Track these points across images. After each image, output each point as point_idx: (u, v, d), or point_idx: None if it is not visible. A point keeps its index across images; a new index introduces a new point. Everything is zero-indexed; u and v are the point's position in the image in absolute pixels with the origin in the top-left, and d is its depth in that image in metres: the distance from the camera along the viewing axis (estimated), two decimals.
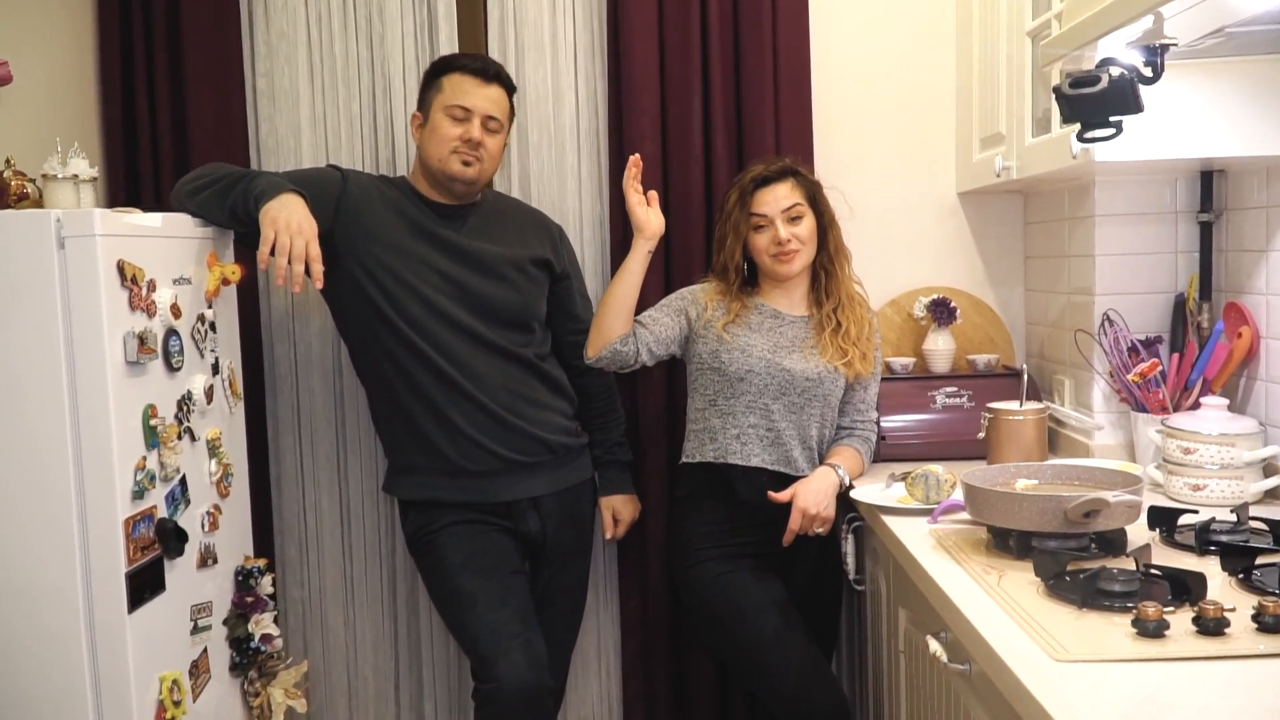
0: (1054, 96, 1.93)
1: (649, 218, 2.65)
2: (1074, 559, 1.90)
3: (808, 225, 2.67)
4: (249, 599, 2.54)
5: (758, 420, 2.66)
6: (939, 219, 3.30)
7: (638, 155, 2.66)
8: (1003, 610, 1.76)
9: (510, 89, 2.78)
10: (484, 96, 2.70)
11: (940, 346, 3.14)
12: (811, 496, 2.56)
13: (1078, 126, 2.28)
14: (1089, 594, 1.74)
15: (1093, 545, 2.01)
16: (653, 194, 2.67)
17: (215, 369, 2.48)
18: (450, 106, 2.68)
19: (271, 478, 3.26)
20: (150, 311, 2.19)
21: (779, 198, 2.66)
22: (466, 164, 2.69)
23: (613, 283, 2.65)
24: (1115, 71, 1.89)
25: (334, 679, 3.34)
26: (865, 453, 2.76)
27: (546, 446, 2.78)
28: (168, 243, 2.32)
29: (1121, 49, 1.95)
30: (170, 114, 3.11)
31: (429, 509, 2.77)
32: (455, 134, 2.67)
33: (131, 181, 3.12)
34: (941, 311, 3.13)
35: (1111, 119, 1.92)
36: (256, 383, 3.18)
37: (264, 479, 3.22)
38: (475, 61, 2.74)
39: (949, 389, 3.03)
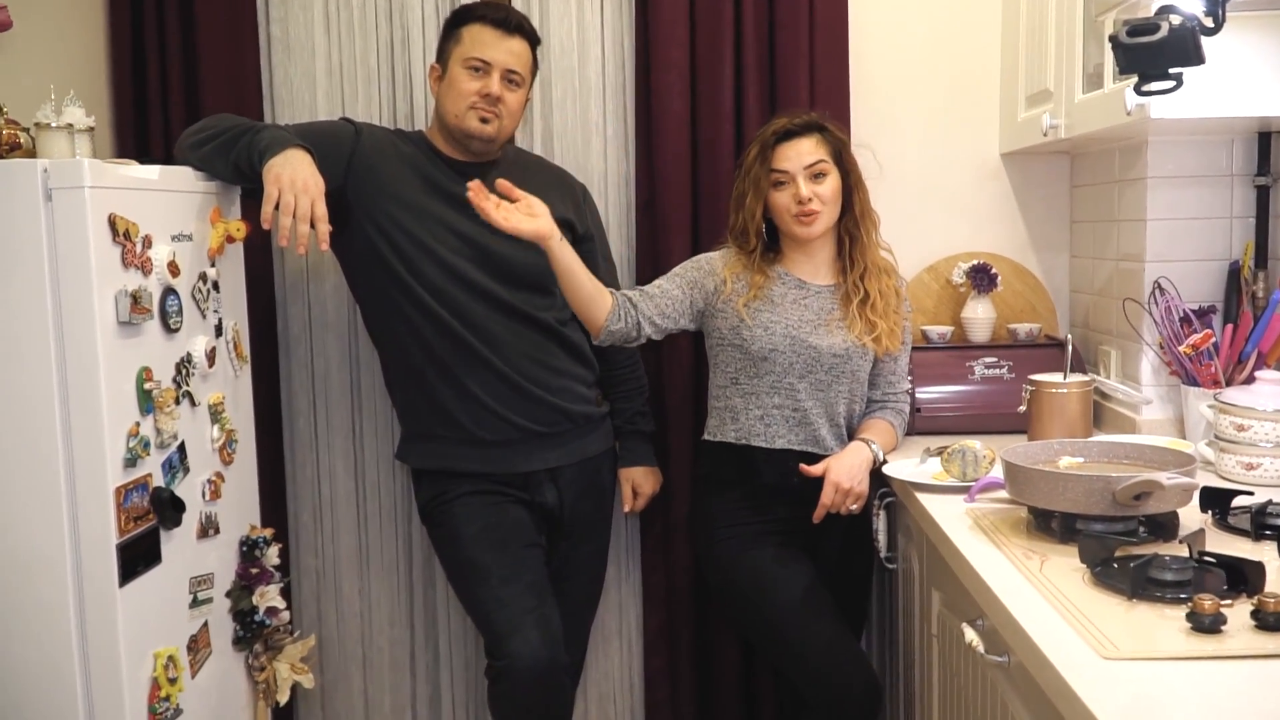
0: (1110, 45, 1.78)
1: (533, 227, 2.29)
2: (1122, 544, 1.77)
3: (831, 184, 2.49)
4: (254, 570, 2.45)
5: (782, 400, 2.51)
6: (980, 181, 3.14)
7: (475, 182, 2.29)
8: (1045, 600, 1.63)
9: (534, 41, 2.65)
10: (505, 49, 2.57)
11: (980, 315, 3.00)
12: (845, 471, 2.44)
13: (1133, 80, 2.15)
14: (1139, 583, 1.61)
15: (1141, 529, 1.87)
16: (504, 184, 2.31)
17: (218, 330, 2.38)
18: (469, 59, 2.55)
19: (285, 442, 3.17)
20: (145, 269, 2.09)
21: (802, 153, 2.49)
22: (484, 120, 2.56)
23: (559, 281, 2.41)
24: (1175, 19, 1.74)
25: (348, 649, 3.25)
26: (898, 425, 2.63)
27: (566, 416, 2.67)
28: (166, 197, 2.21)
29: None
30: (181, 64, 2.99)
31: (443, 478, 2.67)
32: (473, 88, 2.55)
33: (140, 134, 3.01)
34: (982, 278, 2.98)
35: (1171, 71, 1.76)
36: (269, 344, 3.07)
37: (276, 444, 3.12)
38: (497, 11, 2.60)
39: (988, 359, 2.89)
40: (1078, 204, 3.09)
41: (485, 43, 2.55)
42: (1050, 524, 1.93)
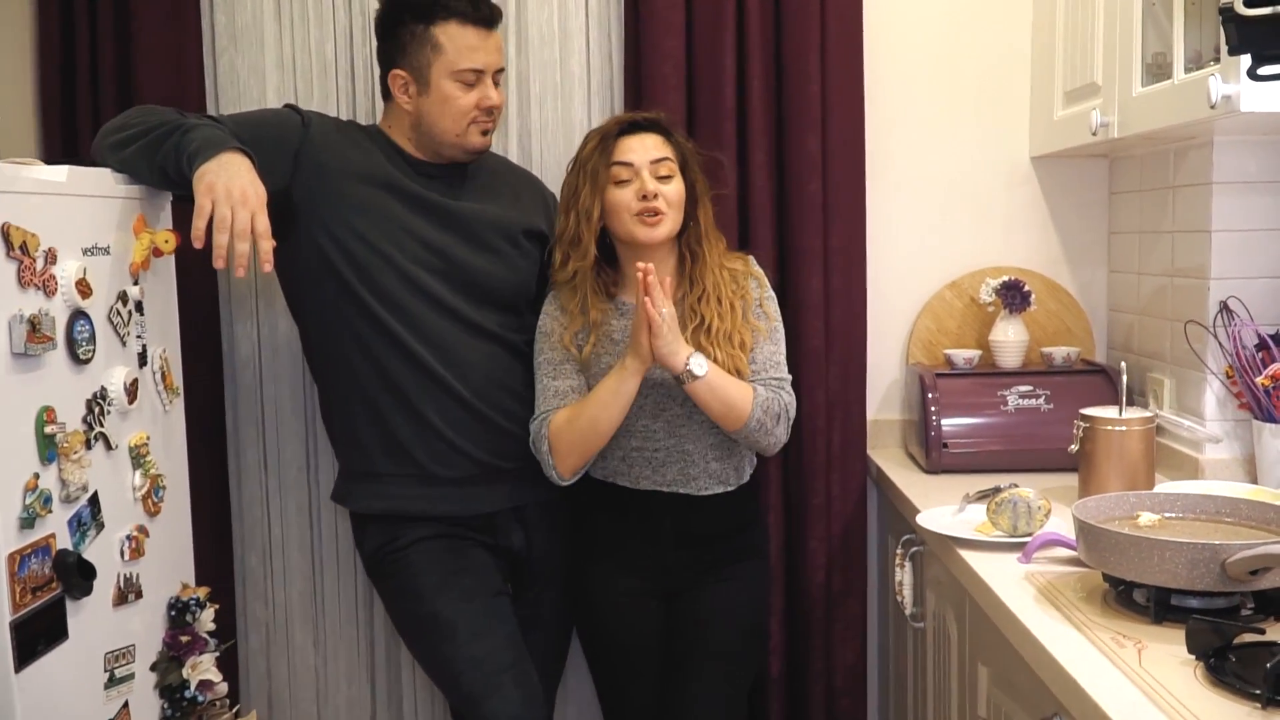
0: (1220, 19, 1.47)
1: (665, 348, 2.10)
2: (1238, 630, 1.44)
3: (676, 188, 2.22)
4: (184, 638, 2.09)
5: (641, 443, 2.26)
6: (1009, 187, 2.83)
7: (649, 266, 2.09)
8: (1156, 707, 1.31)
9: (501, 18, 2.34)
10: (492, 48, 2.25)
11: (1010, 337, 2.68)
12: (667, 324, 2.08)
13: (1215, 69, 1.85)
14: (1273, 684, 1.28)
15: (1248, 606, 1.55)
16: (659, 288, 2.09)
17: (142, 359, 2.03)
18: (459, 72, 2.21)
19: (230, 477, 2.82)
20: (48, 289, 1.74)
21: (648, 147, 2.22)
22: (486, 132, 2.27)
23: (605, 406, 2.16)
24: None
25: (301, 710, 2.90)
26: (764, 396, 2.19)
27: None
28: (78, 203, 1.87)
29: None
30: (114, 56, 2.65)
31: (392, 523, 2.33)
32: (471, 102, 2.22)
33: (68, 133, 2.68)
34: (1014, 296, 2.66)
35: None
36: (213, 368, 2.74)
37: (221, 480, 2.78)
38: (466, 3, 2.23)
39: (1022, 388, 2.57)
40: (1117, 212, 2.78)
41: (472, 47, 2.22)
42: (1135, 596, 1.61)
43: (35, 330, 1.69)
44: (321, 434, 2.80)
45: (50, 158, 2.62)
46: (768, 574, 2.48)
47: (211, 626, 2.15)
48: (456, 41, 2.20)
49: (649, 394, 2.22)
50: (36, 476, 1.70)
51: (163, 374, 2.10)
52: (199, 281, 2.59)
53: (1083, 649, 1.50)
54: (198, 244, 1.91)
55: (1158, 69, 2.16)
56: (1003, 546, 1.95)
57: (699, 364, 2.11)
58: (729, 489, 2.30)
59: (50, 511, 1.73)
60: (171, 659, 2.08)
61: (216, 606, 2.19)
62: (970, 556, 1.93)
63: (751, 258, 2.38)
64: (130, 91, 2.65)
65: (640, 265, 2.08)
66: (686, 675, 2.27)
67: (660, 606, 2.34)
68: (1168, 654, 1.45)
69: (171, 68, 2.65)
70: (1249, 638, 1.44)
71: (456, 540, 2.33)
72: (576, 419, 2.18)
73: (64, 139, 2.67)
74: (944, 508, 2.18)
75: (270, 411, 2.83)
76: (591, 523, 2.38)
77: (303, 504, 2.86)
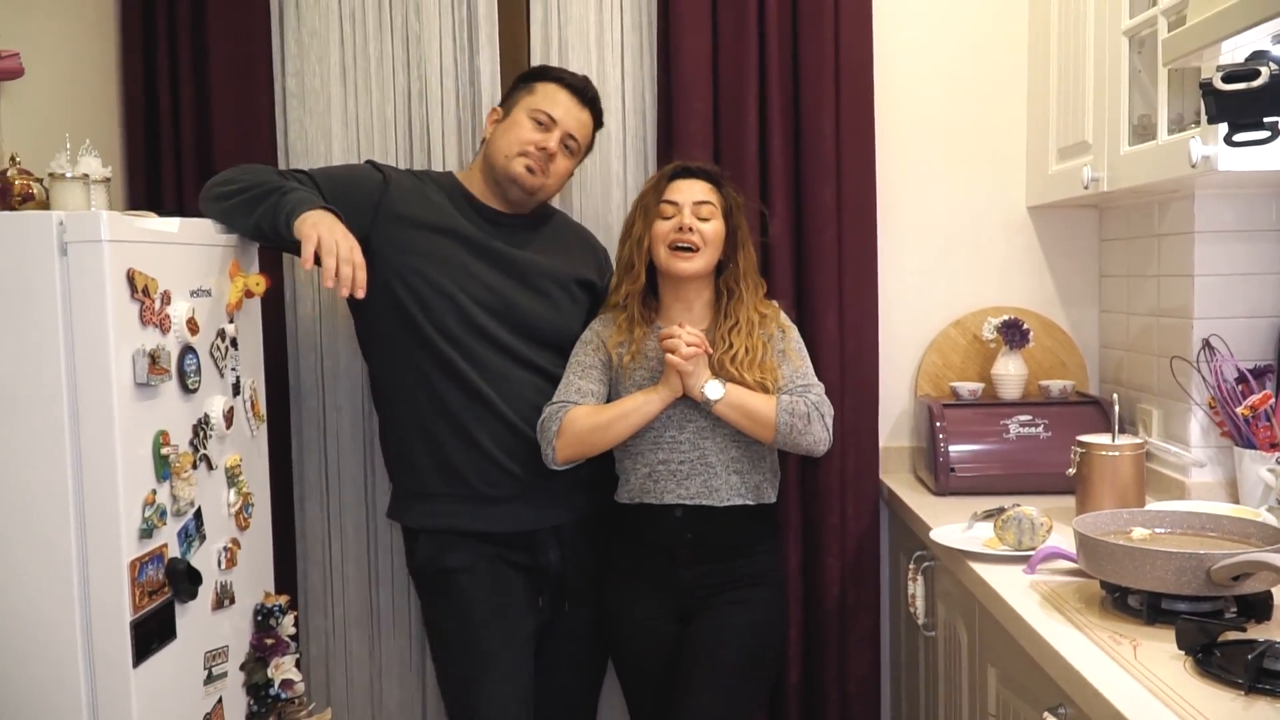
0: (1201, 92, 1.70)
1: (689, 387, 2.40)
2: (1222, 629, 1.66)
3: (715, 228, 2.47)
4: (269, 641, 2.31)
5: (667, 455, 2.46)
6: (1008, 234, 3.07)
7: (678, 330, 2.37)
8: (1151, 694, 1.52)
9: (599, 121, 2.64)
10: (574, 114, 2.55)
11: (1011, 371, 2.91)
12: (695, 343, 2.35)
13: (1195, 131, 2.09)
14: (1253, 675, 1.50)
15: (1232, 610, 1.77)
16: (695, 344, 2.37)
17: (236, 389, 2.25)
18: (537, 110, 2.51)
19: (295, 499, 3.05)
20: (164, 327, 1.97)
21: (695, 191, 2.48)
22: (530, 170, 2.50)
23: (625, 416, 2.41)
24: (1276, 66, 1.66)
25: (356, 714, 3.11)
26: (786, 401, 2.40)
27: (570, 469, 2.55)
28: (186, 250, 2.10)
29: (1269, 42, 1.72)
30: (194, 115, 2.89)
31: (441, 537, 2.55)
32: (532, 138, 2.50)
33: (152, 186, 2.92)
34: (1013, 334, 2.90)
35: (1265, 120, 1.68)
36: (281, 398, 2.96)
37: (287, 500, 3.01)
38: (577, 80, 2.59)
39: (1023, 417, 2.80)
40: (1107, 257, 3.02)
41: (558, 102, 2.53)
42: (1129, 601, 1.83)
43: (155, 363, 1.91)
44: (378, 459, 3.02)
45: (135, 209, 2.86)
46: (780, 606, 2.63)
47: (293, 630, 2.37)
48: (549, 93, 2.53)
49: (677, 408, 2.44)
50: (154, 492, 1.92)
51: (251, 403, 2.32)
52: (270, 320, 2.81)
53: (1084, 646, 1.71)
54: (307, 267, 2.19)
55: (1143, 130, 2.40)
56: (1009, 559, 2.17)
57: (714, 389, 2.37)
58: (749, 503, 2.48)
59: (164, 524, 1.95)
60: (257, 660, 2.29)
61: (296, 613, 2.41)
62: (980, 569, 2.15)
63: (777, 304, 2.61)
64: (209, 149, 2.88)
65: (667, 330, 2.38)
66: (686, 690, 2.42)
67: (678, 631, 2.50)
68: (1160, 650, 1.66)
69: (246, 127, 2.89)
70: (1232, 636, 1.65)
71: (500, 563, 2.53)
72: (594, 415, 2.41)
73: (148, 194, 2.90)
74: (953, 525, 2.40)
75: (331, 438, 3.05)
76: (614, 545, 2.59)
77: (360, 524, 3.07)
